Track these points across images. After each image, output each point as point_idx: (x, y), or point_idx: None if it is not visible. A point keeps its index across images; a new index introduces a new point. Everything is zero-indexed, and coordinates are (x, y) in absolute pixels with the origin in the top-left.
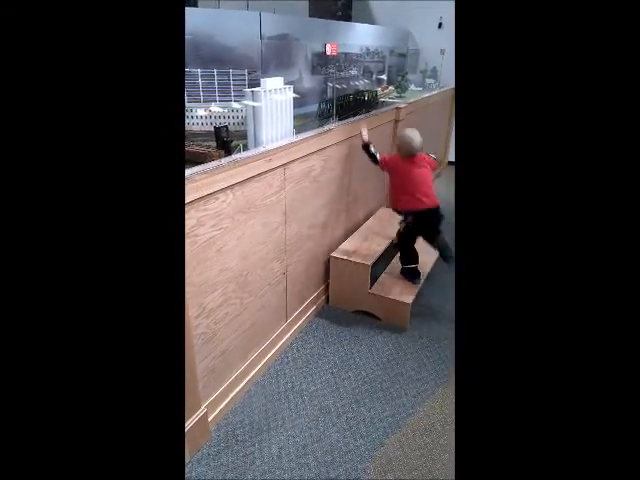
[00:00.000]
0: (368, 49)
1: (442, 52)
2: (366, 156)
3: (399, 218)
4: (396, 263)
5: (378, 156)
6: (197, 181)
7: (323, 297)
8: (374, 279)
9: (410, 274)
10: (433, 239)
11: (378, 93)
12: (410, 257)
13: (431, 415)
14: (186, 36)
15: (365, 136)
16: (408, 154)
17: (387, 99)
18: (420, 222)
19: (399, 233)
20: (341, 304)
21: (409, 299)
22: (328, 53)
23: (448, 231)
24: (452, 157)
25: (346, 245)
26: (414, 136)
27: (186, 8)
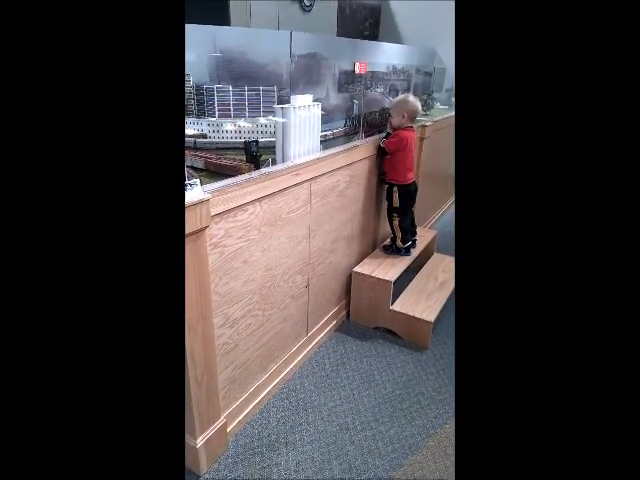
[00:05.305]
0: (394, 67)
1: None
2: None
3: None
4: (422, 279)
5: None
6: (228, 193)
7: (344, 312)
8: (396, 296)
9: (408, 248)
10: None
11: None
12: (412, 231)
13: (452, 438)
14: (218, 54)
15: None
16: (415, 117)
17: None
18: (410, 194)
19: (395, 209)
20: (362, 320)
21: (431, 317)
22: (357, 72)
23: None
24: None
25: (369, 260)
26: (414, 99)
27: (220, 27)
